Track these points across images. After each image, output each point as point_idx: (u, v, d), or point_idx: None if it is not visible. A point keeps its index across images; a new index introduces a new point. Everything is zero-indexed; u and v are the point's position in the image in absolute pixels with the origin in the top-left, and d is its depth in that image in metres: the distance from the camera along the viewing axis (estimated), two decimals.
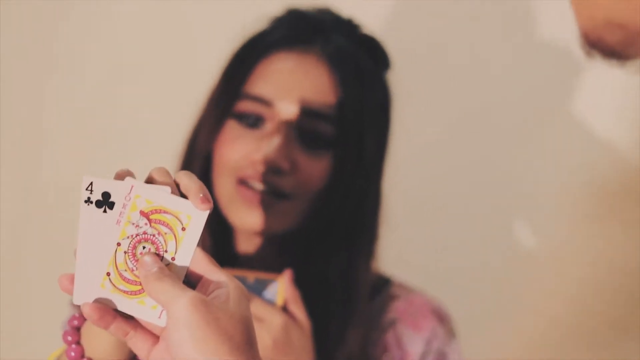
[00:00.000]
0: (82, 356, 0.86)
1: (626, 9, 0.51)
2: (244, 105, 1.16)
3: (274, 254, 1.20)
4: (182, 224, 0.78)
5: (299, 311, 1.11)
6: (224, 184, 1.16)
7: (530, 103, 1.63)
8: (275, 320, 1.08)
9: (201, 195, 0.77)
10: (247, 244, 1.20)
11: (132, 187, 0.78)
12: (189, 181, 0.78)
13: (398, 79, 1.26)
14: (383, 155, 1.21)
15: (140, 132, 1.64)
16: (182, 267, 0.78)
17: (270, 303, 1.11)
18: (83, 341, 0.87)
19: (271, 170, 1.13)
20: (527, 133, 1.64)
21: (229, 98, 1.17)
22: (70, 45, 1.68)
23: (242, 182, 1.15)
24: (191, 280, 0.78)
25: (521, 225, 1.66)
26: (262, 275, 1.12)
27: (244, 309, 0.74)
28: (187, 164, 1.20)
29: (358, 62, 1.19)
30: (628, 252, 1.61)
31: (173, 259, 0.78)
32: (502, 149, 1.64)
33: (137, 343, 0.78)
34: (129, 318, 0.78)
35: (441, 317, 1.24)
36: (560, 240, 1.63)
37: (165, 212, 0.78)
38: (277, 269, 1.16)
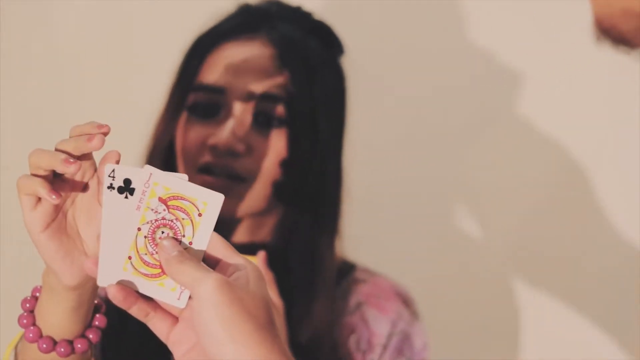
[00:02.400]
0: (40, 335, 0.89)
1: None
2: (198, 96, 1.21)
3: (240, 236, 1.24)
4: (198, 210, 0.82)
5: (272, 292, 1.15)
6: (186, 173, 1.19)
7: (477, 101, 1.69)
8: None
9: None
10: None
11: (150, 174, 0.82)
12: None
13: (355, 66, 1.30)
14: (340, 135, 1.26)
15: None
16: (199, 251, 0.81)
17: None
18: (38, 322, 0.89)
19: (228, 154, 1.18)
20: (475, 133, 1.70)
21: (183, 90, 1.22)
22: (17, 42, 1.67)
23: (202, 170, 1.18)
24: (209, 264, 0.81)
25: (465, 216, 1.72)
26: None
27: (263, 290, 0.79)
28: (151, 157, 1.23)
29: (305, 46, 1.24)
30: (569, 246, 1.68)
31: (191, 243, 0.82)
32: (451, 143, 1.70)
33: (157, 323, 0.81)
34: (148, 299, 0.82)
35: (405, 300, 1.30)
36: (503, 234, 1.70)
37: (182, 198, 0.82)
38: (244, 252, 1.20)
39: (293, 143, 1.19)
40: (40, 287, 0.90)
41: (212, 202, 0.82)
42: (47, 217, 0.83)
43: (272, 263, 1.19)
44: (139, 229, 0.81)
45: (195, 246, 0.82)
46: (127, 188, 0.81)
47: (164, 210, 0.82)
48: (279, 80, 1.19)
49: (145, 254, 0.81)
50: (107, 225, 0.81)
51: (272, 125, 1.19)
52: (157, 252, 0.81)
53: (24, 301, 0.91)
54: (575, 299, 1.69)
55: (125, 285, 0.80)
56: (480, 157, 1.69)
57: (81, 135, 0.82)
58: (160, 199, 0.82)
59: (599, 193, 1.67)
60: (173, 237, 0.81)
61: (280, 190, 1.20)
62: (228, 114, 1.19)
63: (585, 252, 1.68)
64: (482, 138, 1.69)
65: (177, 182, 0.82)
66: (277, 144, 1.19)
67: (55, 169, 0.81)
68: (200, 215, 0.82)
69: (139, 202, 0.81)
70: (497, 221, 1.70)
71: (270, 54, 1.20)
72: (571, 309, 1.69)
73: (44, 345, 0.88)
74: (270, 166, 1.19)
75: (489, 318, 1.70)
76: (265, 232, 1.25)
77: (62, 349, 0.88)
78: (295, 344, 1.17)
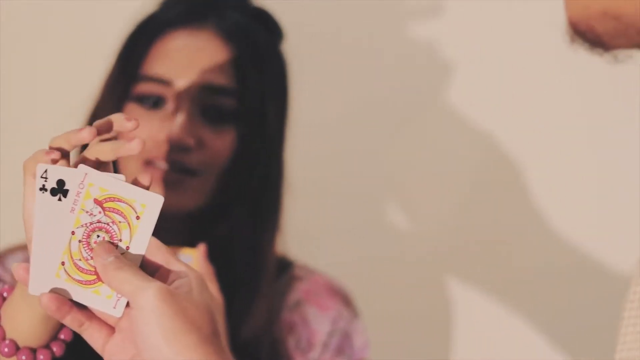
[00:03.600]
0: (4, 338, 0.84)
1: (624, 3, 0.52)
2: (143, 87, 1.16)
3: (183, 230, 1.20)
4: (136, 213, 0.77)
5: (212, 286, 1.12)
6: (130, 167, 1.15)
7: (409, 91, 1.68)
8: None
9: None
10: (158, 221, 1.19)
11: (85, 174, 0.77)
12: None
13: (292, 52, 1.28)
14: (284, 128, 1.24)
15: (35, 119, 1.59)
16: (137, 256, 0.77)
17: None
18: (3, 323, 0.84)
19: (177, 148, 1.14)
20: (405, 122, 1.68)
21: (126, 81, 1.17)
22: None
23: (149, 163, 1.14)
24: (147, 270, 0.77)
25: (396, 209, 1.71)
26: (176, 250, 1.12)
27: (207, 298, 0.74)
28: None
29: (254, 35, 1.21)
30: (499, 240, 1.68)
31: (128, 248, 0.77)
32: (383, 134, 1.69)
33: (93, 334, 0.76)
34: (83, 308, 0.77)
35: (345, 298, 1.28)
36: (435, 224, 1.69)
37: (119, 200, 0.77)
38: (187, 245, 1.16)
39: (243, 136, 1.17)
40: (9, 287, 0.85)
41: (151, 204, 0.78)
42: None
43: (213, 257, 1.15)
44: (73, 233, 0.77)
45: (132, 251, 0.77)
46: (60, 190, 0.76)
47: (100, 212, 0.77)
48: (230, 73, 1.16)
49: (80, 260, 0.77)
50: (39, 230, 0.76)
51: (222, 119, 1.16)
52: (92, 258, 0.76)
53: None
54: (505, 294, 1.69)
55: (59, 294, 0.76)
56: (412, 149, 1.69)
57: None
58: (95, 201, 0.77)
59: (530, 187, 1.68)
60: (109, 242, 0.77)
61: (227, 184, 1.17)
62: (176, 106, 1.15)
63: (516, 247, 1.69)
64: (412, 129, 1.68)
65: (114, 183, 0.77)
66: (226, 138, 1.16)
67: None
68: (138, 218, 0.77)
69: (73, 204, 0.77)
70: (428, 214, 1.69)
71: (221, 46, 1.17)
72: (501, 303, 1.69)
73: (6, 349, 0.83)
74: (220, 160, 1.16)
75: (419, 312, 1.69)
76: (209, 225, 1.21)
77: (24, 357, 0.83)
78: (234, 341, 1.14)
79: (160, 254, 0.77)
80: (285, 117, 1.23)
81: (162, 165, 1.15)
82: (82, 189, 0.77)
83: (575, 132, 1.66)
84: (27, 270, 0.76)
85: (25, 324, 0.83)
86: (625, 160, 1.63)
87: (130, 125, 0.78)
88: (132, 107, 1.16)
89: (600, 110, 1.65)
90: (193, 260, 1.11)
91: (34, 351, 0.84)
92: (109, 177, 0.77)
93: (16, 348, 0.83)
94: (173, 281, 0.75)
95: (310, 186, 1.64)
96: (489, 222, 1.69)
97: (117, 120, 0.79)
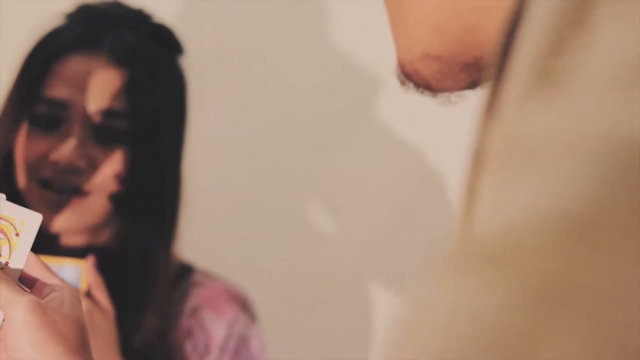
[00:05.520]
0: None
1: (442, 42, 0.51)
2: (39, 108, 1.21)
3: (77, 240, 1.25)
4: (15, 230, 0.82)
5: (102, 296, 1.16)
6: (26, 185, 1.20)
7: (336, 105, 1.72)
8: None
9: None
10: (55, 236, 1.24)
11: None
12: None
13: (194, 68, 1.31)
14: (180, 143, 1.28)
15: None
16: (15, 271, 0.82)
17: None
18: None
19: (69, 170, 1.19)
20: (332, 135, 1.73)
21: (24, 101, 1.22)
22: None
23: (43, 183, 1.19)
24: (26, 284, 0.82)
25: (325, 222, 1.75)
26: (67, 261, 1.17)
27: (77, 311, 0.80)
28: None
29: (148, 56, 1.25)
30: (424, 250, 1.72)
31: (7, 263, 0.82)
32: (306, 150, 1.72)
33: None
34: None
35: (243, 303, 1.32)
36: (362, 235, 1.73)
37: None
38: (77, 255, 1.21)
39: (134, 157, 1.21)
40: None
41: (30, 221, 0.83)
42: None
43: (106, 267, 1.20)
44: None
45: (11, 266, 0.82)
46: None
47: None
48: (122, 95, 1.21)
49: None
50: None
51: (114, 140, 1.21)
52: None
53: None
54: None
55: None
56: (337, 157, 1.72)
57: None
58: None
59: (454, 199, 1.71)
60: None
61: (119, 203, 1.22)
62: (70, 128, 1.20)
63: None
64: (339, 138, 1.72)
65: None
66: (117, 159, 1.21)
67: None
68: (17, 235, 0.82)
69: None
70: (353, 222, 1.73)
71: (113, 70, 1.21)
72: None
73: None
74: (110, 180, 1.21)
75: (342, 320, 1.73)
76: (103, 238, 1.26)
77: None
78: (127, 349, 1.18)
79: (37, 269, 0.82)
80: (181, 133, 1.27)
81: (56, 185, 1.19)
82: None
83: None
84: None
85: None
86: None
87: None
88: (29, 126, 1.21)
89: None
90: (83, 270, 1.16)
91: None
92: None
93: None
94: (47, 294, 0.80)
95: (231, 196, 1.69)
96: (414, 233, 1.72)
97: None
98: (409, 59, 0.54)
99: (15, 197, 1.17)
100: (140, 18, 1.29)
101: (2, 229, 0.82)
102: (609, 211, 0.31)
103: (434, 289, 0.34)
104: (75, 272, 1.16)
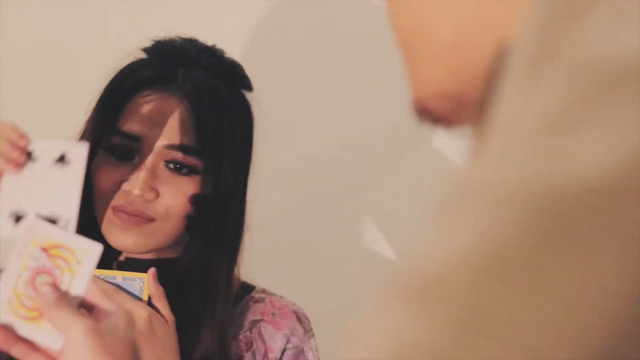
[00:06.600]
0: None
1: (454, 81, 0.54)
2: (115, 140, 1.31)
3: (147, 261, 1.33)
4: (77, 259, 0.91)
5: (162, 305, 1.25)
6: (101, 210, 1.29)
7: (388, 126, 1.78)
8: (140, 312, 1.22)
9: None
10: (126, 254, 1.34)
11: (34, 226, 0.90)
12: None
13: (262, 100, 1.39)
14: (246, 172, 1.37)
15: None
16: (76, 297, 0.90)
17: (136, 298, 1.24)
18: None
19: (140, 199, 1.28)
20: (385, 157, 1.78)
21: (101, 133, 1.31)
22: None
23: (116, 209, 1.28)
24: (85, 309, 0.90)
25: (376, 240, 1.81)
26: (130, 274, 1.26)
27: (130, 334, 0.88)
28: None
29: (216, 94, 1.33)
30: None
31: (68, 289, 0.90)
32: (364, 175, 1.79)
33: None
34: (28, 342, 0.90)
35: (299, 317, 1.40)
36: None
37: (62, 247, 0.91)
38: (143, 268, 1.30)
39: (202, 188, 1.30)
40: None
41: (90, 251, 0.91)
42: None
43: (169, 280, 1.28)
44: (20, 275, 0.90)
45: (72, 292, 0.90)
46: None
47: (45, 258, 0.90)
48: (191, 132, 1.29)
49: (25, 298, 0.90)
50: None
51: (184, 173, 1.30)
52: (36, 297, 0.90)
53: None
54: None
55: (5, 326, 0.89)
56: (396, 184, 1.76)
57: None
58: (42, 248, 0.90)
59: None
60: (52, 284, 0.90)
61: (188, 226, 1.31)
62: (142, 160, 1.29)
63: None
64: (396, 167, 1.77)
65: (59, 233, 0.91)
66: (186, 189, 1.29)
67: None
68: (79, 263, 0.91)
69: (22, 248, 0.90)
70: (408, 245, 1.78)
71: (184, 108, 1.30)
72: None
73: None
74: (180, 208, 1.30)
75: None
76: (170, 255, 1.34)
77: None
78: None
79: (95, 295, 0.91)
80: (247, 166, 1.37)
81: (129, 212, 1.28)
82: (29, 236, 0.90)
83: None
84: None
85: None
86: None
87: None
88: (105, 156, 1.30)
89: None
90: (145, 281, 1.24)
91: None
92: (55, 227, 0.91)
93: None
94: (104, 319, 0.88)
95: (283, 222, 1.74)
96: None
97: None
98: (422, 96, 0.56)
99: (90, 217, 1.27)
100: (213, 55, 1.37)
101: (65, 258, 0.91)
102: (524, 252, 0.39)
103: (375, 315, 0.42)
104: (138, 284, 1.24)
